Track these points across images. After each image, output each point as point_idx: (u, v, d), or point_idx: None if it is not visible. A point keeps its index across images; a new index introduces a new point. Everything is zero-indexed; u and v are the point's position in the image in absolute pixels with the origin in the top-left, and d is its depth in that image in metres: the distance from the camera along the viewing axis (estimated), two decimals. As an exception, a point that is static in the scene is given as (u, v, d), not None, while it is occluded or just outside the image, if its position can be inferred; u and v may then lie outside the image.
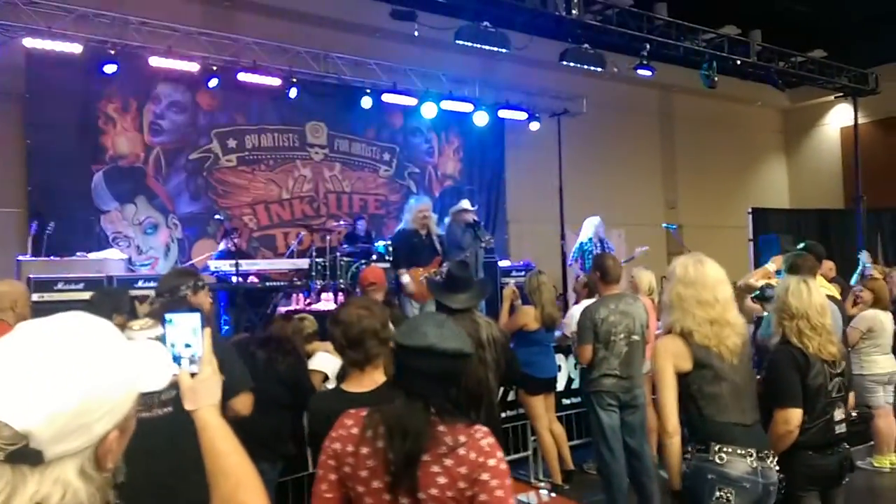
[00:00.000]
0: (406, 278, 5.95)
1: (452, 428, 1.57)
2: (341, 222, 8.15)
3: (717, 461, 2.32)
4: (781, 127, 14.82)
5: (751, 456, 2.32)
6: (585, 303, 4.44)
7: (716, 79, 9.57)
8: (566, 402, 5.23)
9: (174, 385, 1.99)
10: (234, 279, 6.63)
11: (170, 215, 8.36)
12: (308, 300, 6.85)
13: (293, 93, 8.38)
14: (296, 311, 6.01)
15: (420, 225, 6.09)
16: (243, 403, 2.55)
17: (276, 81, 8.25)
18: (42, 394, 0.83)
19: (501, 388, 3.43)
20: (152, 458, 2.18)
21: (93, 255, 6.45)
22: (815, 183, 14.04)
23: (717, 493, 2.30)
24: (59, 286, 5.74)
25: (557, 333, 4.86)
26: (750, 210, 12.18)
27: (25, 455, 0.82)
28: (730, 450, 2.32)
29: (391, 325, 2.15)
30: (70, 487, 0.86)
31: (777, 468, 2.37)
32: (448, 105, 9.37)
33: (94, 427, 0.88)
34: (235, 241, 7.04)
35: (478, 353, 2.44)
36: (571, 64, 8.83)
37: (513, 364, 3.20)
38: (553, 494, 3.67)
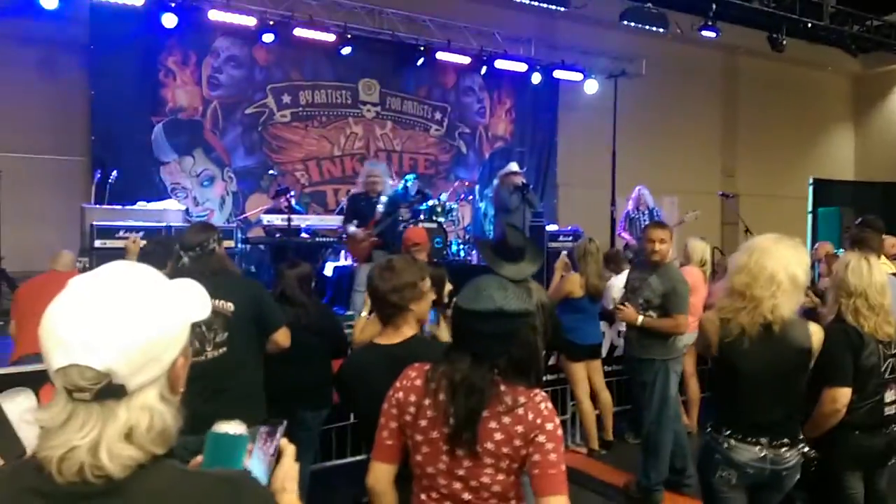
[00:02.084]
0: (351, 228, 6.15)
1: (513, 389, 1.61)
2: (390, 181, 7.71)
3: (725, 445, 2.36)
4: (851, 94, 14.16)
5: (760, 445, 2.33)
6: (626, 274, 4.27)
7: (784, 42, 8.98)
8: (607, 368, 5.17)
9: (225, 326, 2.41)
10: (279, 235, 6.67)
11: (225, 168, 8.33)
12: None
13: (346, 50, 8.31)
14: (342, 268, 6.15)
15: (368, 189, 6.17)
16: (284, 336, 2.77)
17: (330, 37, 8.17)
18: (114, 334, 0.92)
19: (544, 352, 3.32)
20: (212, 392, 2.42)
21: (153, 205, 6.60)
22: (883, 155, 13.34)
23: (720, 473, 2.35)
24: (121, 234, 5.88)
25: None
26: (811, 181, 11.72)
27: (111, 391, 0.92)
28: (739, 436, 2.33)
29: (428, 282, 2.19)
30: (155, 411, 0.96)
31: (806, 450, 2.37)
32: (502, 64, 9.19)
33: (163, 357, 0.98)
34: (290, 199, 6.96)
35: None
36: (632, 24, 8.51)
37: (557, 330, 3.24)
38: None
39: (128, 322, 0.94)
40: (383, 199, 6.18)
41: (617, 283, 4.50)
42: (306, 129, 8.68)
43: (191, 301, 1.05)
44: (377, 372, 1.91)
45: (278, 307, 2.85)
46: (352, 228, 6.05)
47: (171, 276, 1.06)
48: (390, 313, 2.10)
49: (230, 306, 2.68)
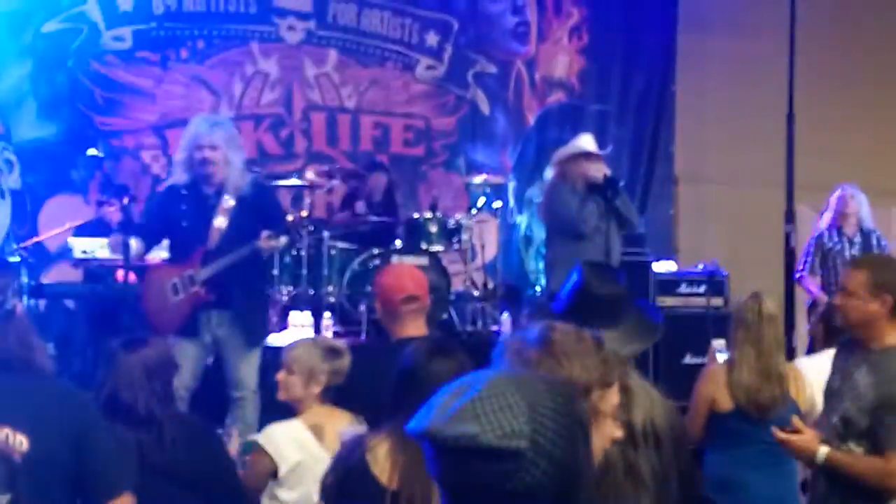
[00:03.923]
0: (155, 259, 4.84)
1: None
2: (333, 176, 6.15)
3: None
4: None
5: None
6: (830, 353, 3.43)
7: None
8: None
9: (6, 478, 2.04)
10: (119, 274, 5.06)
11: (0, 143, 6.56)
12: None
13: None
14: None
15: (197, 172, 4.26)
16: None
17: None
18: None
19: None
20: None
21: None
22: None
23: None
24: None
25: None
26: None
27: None
28: None
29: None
30: None
31: None
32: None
33: None
34: (128, 205, 5.39)
35: (624, 452, 1.88)
36: None
37: (692, 481, 2.26)
38: None
39: None
40: (228, 199, 4.26)
41: (811, 371, 3.61)
42: (166, 67, 6.67)
43: None
44: None
45: (119, 450, 2.33)
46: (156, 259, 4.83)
47: None
48: None
49: (22, 442, 2.14)
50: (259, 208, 4.37)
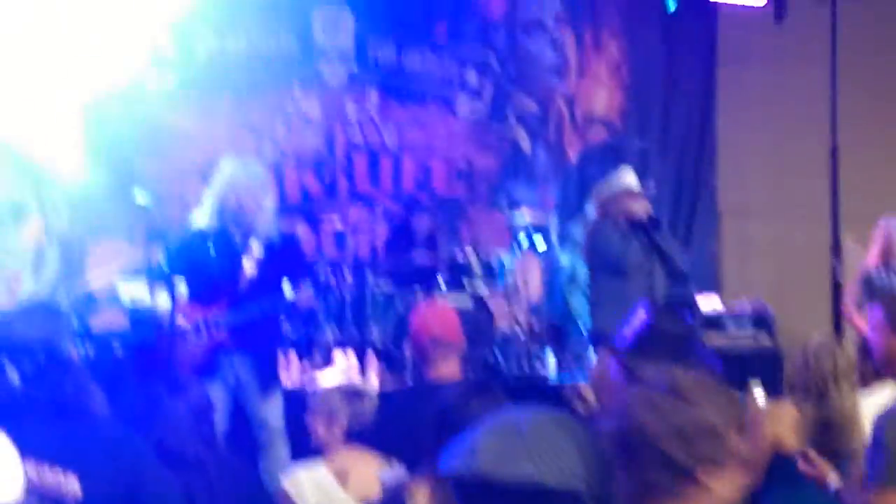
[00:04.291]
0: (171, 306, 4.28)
1: None
2: (377, 217, 6.49)
3: None
4: None
5: None
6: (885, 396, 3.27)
7: None
8: None
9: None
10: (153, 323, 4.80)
11: (44, 190, 5.80)
12: (309, 366, 5.35)
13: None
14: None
15: (236, 212, 4.22)
16: None
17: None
18: None
19: None
20: None
21: None
22: None
23: None
24: None
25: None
26: None
27: None
28: None
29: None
30: None
31: None
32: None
33: None
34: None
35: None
36: None
37: None
38: None
39: None
40: (255, 244, 4.22)
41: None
42: (208, 108, 6.57)
43: None
44: None
45: (169, 493, 2.27)
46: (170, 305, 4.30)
47: None
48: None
49: (73, 486, 2.09)
50: (285, 256, 4.31)
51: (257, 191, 4.20)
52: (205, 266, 4.23)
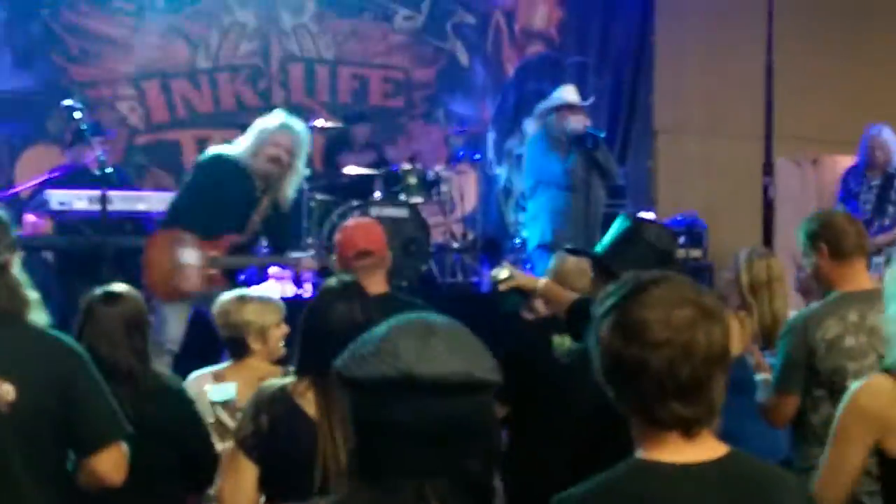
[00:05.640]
0: (190, 255, 4.15)
1: None
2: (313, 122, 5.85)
3: None
4: None
5: None
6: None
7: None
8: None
9: None
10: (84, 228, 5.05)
11: None
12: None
13: None
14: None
15: (265, 166, 4.11)
16: (113, 463, 2.23)
17: None
18: None
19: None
20: None
21: None
22: None
23: None
24: None
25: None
26: None
27: None
28: None
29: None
30: None
31: None
32: None
33: None
34: (101, 156, 4.82)
35: None
36: None
37: None
38: None
39: None
40: (268, 200, 4.23)
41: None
42: (139, 18, 6.50)
43: None
44: None
45: (108, 399, 2.24)
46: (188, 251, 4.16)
47: None
48: None
49: (8, 392, 2.14)
50: (287, 220, 4.40)
51: (298, 151, 4.16)
52: (220, 201, 4.12)
